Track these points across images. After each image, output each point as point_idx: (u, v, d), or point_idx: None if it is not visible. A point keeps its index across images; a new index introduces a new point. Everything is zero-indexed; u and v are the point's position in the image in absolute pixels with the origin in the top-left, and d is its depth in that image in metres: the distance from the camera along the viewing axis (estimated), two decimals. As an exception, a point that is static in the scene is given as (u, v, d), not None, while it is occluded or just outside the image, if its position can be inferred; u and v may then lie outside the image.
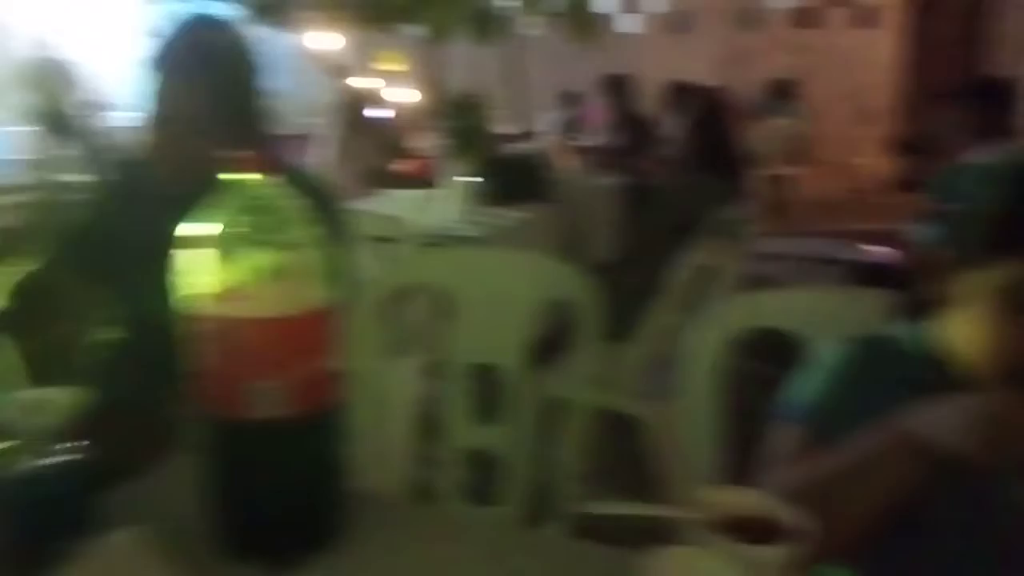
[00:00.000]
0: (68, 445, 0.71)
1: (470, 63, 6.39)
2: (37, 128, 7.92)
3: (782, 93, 7.39)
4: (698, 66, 7.35)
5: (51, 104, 7.88)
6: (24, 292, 1.26)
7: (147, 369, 1.02)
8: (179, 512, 0.69)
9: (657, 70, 6.49)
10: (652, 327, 2.30)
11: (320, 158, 4.24)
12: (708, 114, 3.17)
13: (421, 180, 3.89)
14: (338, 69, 7.78)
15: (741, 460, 1.05)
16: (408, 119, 5.78)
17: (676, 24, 8.51)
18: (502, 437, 1.38)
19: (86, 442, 0.72)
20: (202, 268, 0.70)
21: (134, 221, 1.33)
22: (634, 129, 5.12)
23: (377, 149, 4.44)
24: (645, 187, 3.84)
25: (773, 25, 8.25)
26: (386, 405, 1.46)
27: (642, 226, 3.11)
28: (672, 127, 3.20)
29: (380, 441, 1.35)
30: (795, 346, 1.10)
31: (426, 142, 5.87)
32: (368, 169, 3.96)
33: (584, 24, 5.88)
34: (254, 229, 0.70)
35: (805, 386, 0.94)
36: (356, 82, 6.09)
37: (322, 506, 0.76)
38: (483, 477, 1.41)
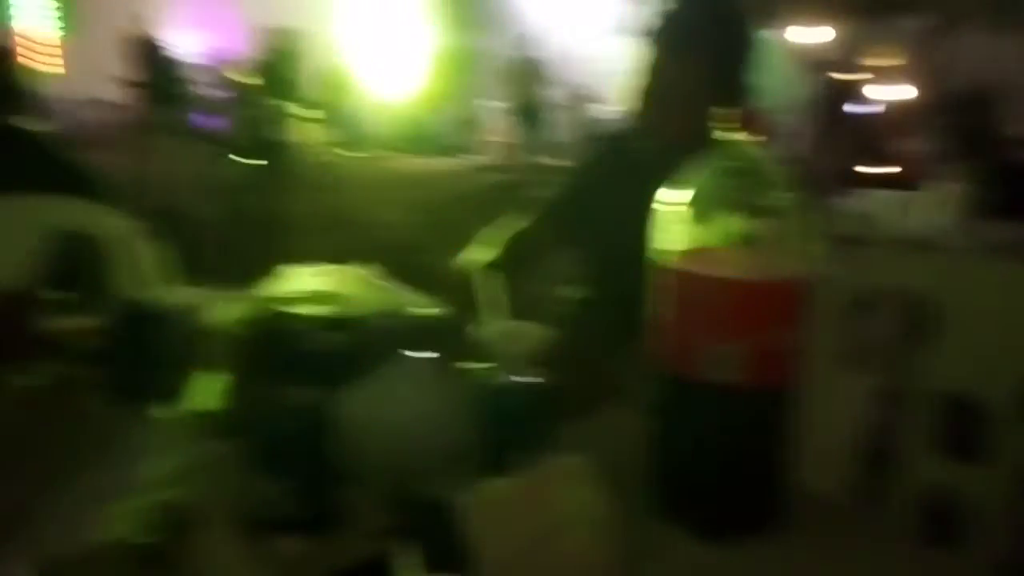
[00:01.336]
0: (535, 372, 0.78)
1: (986, 55, 5.52)
2: (516, 117, 9.26)
3: None
4: None
5: (528, 97, 9.15)
6: (512, 245, 1.48)
7: (610, 322, 1.08)
8: (615, 458, 0.70)
9: None
10: None
11: (794, 152, 4.10)
12: None
13: (903, 182, 3.51)
14: (820, 64, 7.43)
15: None
16: (897, 117, 5.24)
17: None
18: (977, 479, 1.15)
19: (549, 373, 0.78)
20: (679, 228, 0.71)
21: (620, 189, 1.41)
22: None
23: (852, 146, 4.12)
24: None
25: None
26: (830, 426, 1.32)
27: None
28: None
29: (818, 462, 1.23)
30: None
31: (916, 142, 5.26)
32: (841, 166, 3.70)
33: None
34: (735, 191, 0.70)
35: None
36: (838, 77, 5.74)
37: (761, 486, 0.72)
38: (940, 519, 1.20)
